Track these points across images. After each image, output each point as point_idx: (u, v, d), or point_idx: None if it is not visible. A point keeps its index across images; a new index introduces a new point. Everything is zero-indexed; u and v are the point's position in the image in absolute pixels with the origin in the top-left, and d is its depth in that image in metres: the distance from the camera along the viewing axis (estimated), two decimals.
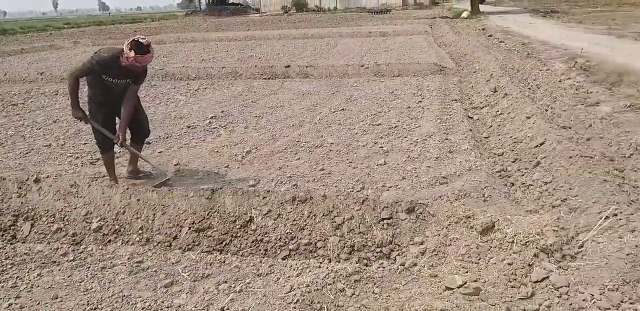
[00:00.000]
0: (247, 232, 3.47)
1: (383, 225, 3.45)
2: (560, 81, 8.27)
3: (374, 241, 3.36)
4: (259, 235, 3.43)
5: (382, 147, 5.42)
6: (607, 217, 3.05)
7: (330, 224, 3.47)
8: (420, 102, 7.55)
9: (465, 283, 2.68)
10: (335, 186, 4.39)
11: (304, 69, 10.94)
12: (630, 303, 2.35)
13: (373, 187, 4.34)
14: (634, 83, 7.31)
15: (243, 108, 7.72)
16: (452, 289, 2.67)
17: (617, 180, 3.83)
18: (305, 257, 3.31)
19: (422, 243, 3.24)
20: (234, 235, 3.46)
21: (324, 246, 3.35)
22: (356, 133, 6.05)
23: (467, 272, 2.85)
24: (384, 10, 39.57)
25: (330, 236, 3.39)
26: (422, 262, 3.05)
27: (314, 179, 4.58)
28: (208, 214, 3.59)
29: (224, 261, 3.21)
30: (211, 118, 7.03)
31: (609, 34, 15.54)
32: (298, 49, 15.53)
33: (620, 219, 2.98)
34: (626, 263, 2.53)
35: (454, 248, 3.09)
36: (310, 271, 3.00)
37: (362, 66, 10.87)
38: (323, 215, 3.54)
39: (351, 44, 16.40)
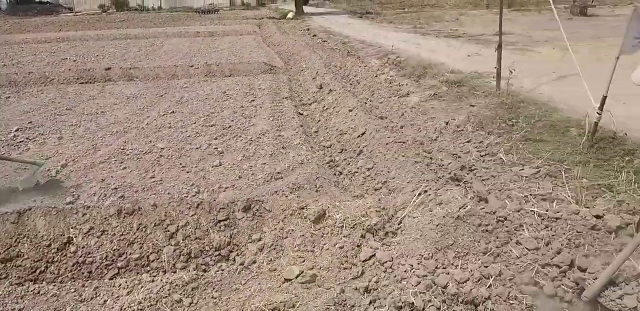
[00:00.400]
0: (65, 255, 3.10)
1: (220, 227, 3.38)
2: (376, 76, 9.05)
3: (212, 245, 3.27)
4: (81, 256, 3.09)
5: (216, 148, 5.32)
6: (419, 194, 3.40)
7: (163, 234, 3.28)
8: (253, 101, 7.60)
9: (302, 272, 2.75)
10: (168, 193, 4.17)
11: (128, 71, 10.22)
12: (443, 268, 2.65)
13: (209, 190, 4.23)
14: (435, 75, 8.33)
15: (56, 117, 6.90)
16: (291, 280, 2.73)
17: (426, 161, 4.32)
18: (137, 273, 3.08)
19: (260, 240, 3.25)
20: (50, 260, 3.07)
21: (158, 258, 3.16)
22: (189, 136, 5.84)
23: (303, 261, 2.94)
24: (212, 10, 38.95)
25: (164, 246, 3.21)
26: (261, 258, 3.07)
27: (144, 188, 4.29)
28: (15, 241, 3.12)
29: (39, 292, 2.82)
30: (16, 131, 6.14)
31: (415, 32, 17.49)
32: (120, 50, 14.45)
33: (430, 194, 3.35)
34: (437, 233, 2.85)
35: (291, 239, 3.16)
36: (142, 286, 2.80)
37: (192, 66, 10.56)
38: (155, 225, 3.34)
39: (179, 44, 15.81)
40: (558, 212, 2.98)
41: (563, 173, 3.79)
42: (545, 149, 4.44)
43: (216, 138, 5.68)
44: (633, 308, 2.25)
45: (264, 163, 4.74)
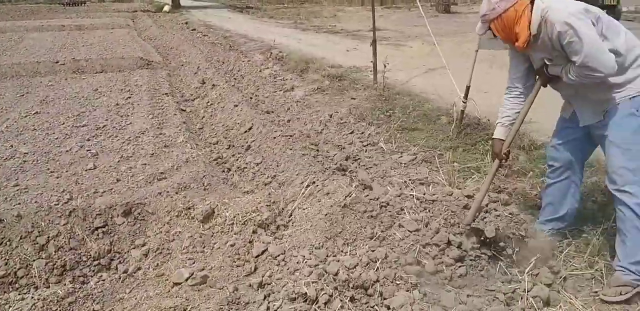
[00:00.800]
0: None
1: (98, 235, 3.14)
2: (260, 71, 9.01)
3: (90, 255, 3.02)
4: None
5: (90, 150, 4.90)
6: (307, 186, 3.44)
7: (31, 247, 2.96)
8: (129, 98, 7.13)
9: (193, 274, 2.65)
10: (36, 202, 3.74)
11: None
12: (334, 256, 2.71)
13: (83, 195, 3.87)
14: (317, 69, 8.51)
15: None
16: (180, 283, 2.61)
17: (313, 153, 4.39)
18: (4, 291, 2.74)
19: (144, 245, 3.07)
20: None
21: (28, 274, 2.83)
22: (57, 138, 5.31)
23: (193, 263, 2.83)
24: (78, 2, 35.80)
25: (34, 260, 2.89)
26: (146, 264, 2.89)
27: (6, 198, 3.81)
28: None
29: None
30: None
31: (295, 27, 17.71)
32: None
33: (317, 185, 3.41)
34: (326, 222, 2.91)
35: (178, 242, 3.02)
36: (10, 306, 2.49)
37: (57, 63, 9.61)
38: (21, 238, 3.00)
39: (41, 39, 14.30)
40: (434, 195, 3.20)
41: (437, 158, 4.09)
42: (420, 137, 4.76)
43: (89, 140, 5.24)
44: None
45: (145, 164, 4.47)
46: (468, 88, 4.69)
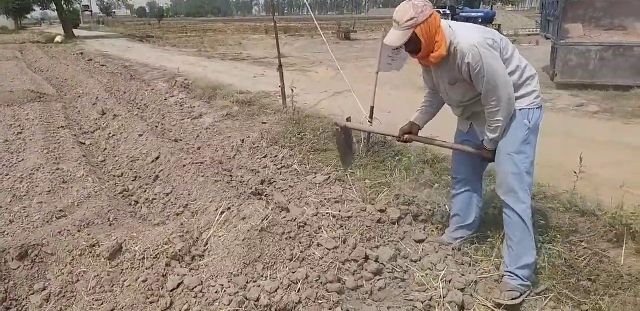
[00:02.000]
0: None
1: None
2: (165, 99, 8.76)
3: None
4: None
5: None
6: (222, 212, 3.35)
7: None
8: (20, 133, 6.57)
9: None
10: None
11: None
12: (254, 281, 2.64)
13: None
14: (225, 95, 8.45)
15: None
16: None
17: (226, 178, 4.31)
18: None
19: (44, 289, 2.79)
20: None
21: None
22: None
23: (102, 304, 2.61)
24: None
25: None
26: (48, 310, 2.62)
27: None
28: None
29: None
30: None
31: (200, 55, 17.56)
32: None
33: (233, 211, 3.33)
34: (243, 248, 2.83)
35: (83, 282, 2.78)
36: None
37: None
38: None
39: None
40: (349, 211, 3.26)
41: (349, 176, 4.19)
42: (331, 157, 4.86)
43: None
44: None
45: (41, 202, 4.11)
46: (372, 108, 4.90)
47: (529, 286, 2.60)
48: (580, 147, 3.73)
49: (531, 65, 2.61)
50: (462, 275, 2.73)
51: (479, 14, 19.49)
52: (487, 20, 19.14)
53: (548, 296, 2.58)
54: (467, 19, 19.40)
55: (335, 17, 77.64)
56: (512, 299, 2.50)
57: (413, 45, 2.39)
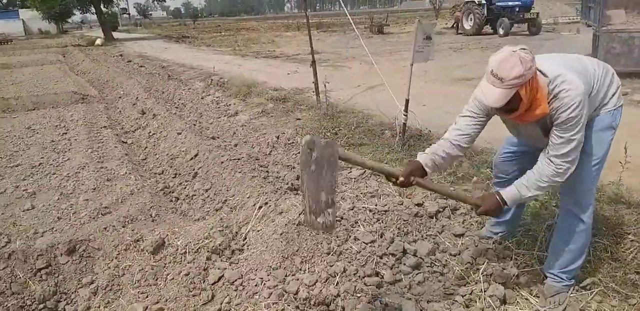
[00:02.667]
0: None
1: (42, 276, 2.95)
2: (202, 98, 8.94)
3: (34, 298, 2.82)
4: None
5: (26, 190, 4.65)
6: (260, 207, 3.40)
7: None
8: (66, 133, 6.85)
9: (147, 308, 2.53)
10: None
11: None
12: (292, 275, 2.67)
13: (22, 237, 3.65)
14: (260, 93, 8.54)
15: None
16: None
17: (263, 174, 4.36)
18: None
19: (92, 283, 2.90)
20: None
21: None
22: None
23: (147, 297, 2.70)
24: (3, 41, 34.43)
25: None
26: (96, 303, 2.73)
27: None
28: None
29: None
30: None
31: (234, 54, 17.79)
32: None
33: (270, 206, 3.38)
34: (282, 242, 2.87)
35: (129, 276, 2.88)
36: None
37: None
38: None
39: None
40: (385, 205, 3.24)
41: None
42: (366, 152, 4.84)
43: (24, 179, 4.97)
44: None
45: (87, 199, 4.28)
46: (407, 101, 4.85)
47: (573, 284, 2.52)
48: (625, 137, 3.57)
49: None
50: (504, 269, 2.68)
51: (516, 3, 18.84)
52: (525, 9, 18.50)
53: (594, 291, 2.49)
54: (504, 8, 18.83)
55: (368, 11, 77.09)
56: (560, 304, 2.42)
57: (510, 106, 2.01)
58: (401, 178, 2.27)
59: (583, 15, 11.28)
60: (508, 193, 2.27)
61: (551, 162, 2.16)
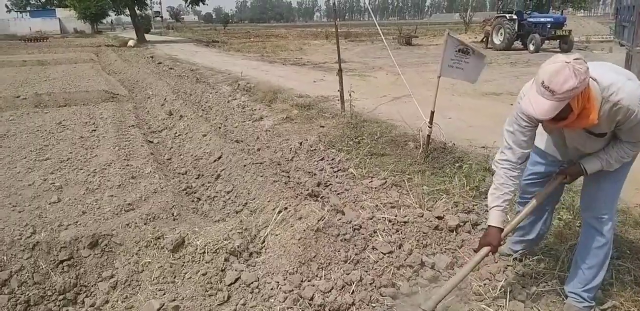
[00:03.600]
0: None
1: (63, 268, 3.02)
2: (228, 101, 9.05)
3: (55, 289, 2.89)
4: None
5: (53, 183, 4.76)
6: (279, 211, 3.43)
7: None
8: (95, 131, 7.01)
9: (163, 305, 2.56)
10: None
11: None
12: (308, 281, 2.69)
13: (47, 229, 3.73)
14: (285, 99, 8.62)
15: None
16: None
17: (284, 179, 4.39)
18: None
19: (112, 277, 2.96)
20: None
21: None
22: (18, 172, 5.14)
23: (164, 294, 2.74)
24: (40, 38, 35.51)
25: None
26: (114, 297, 2.78)
27: None
28: None
29: None
30: None
31: (262, 60, 17.99)
32: None
33: (290, 211, 3.40)
34: (299, 247, 2.89)
35: (148, 272, 2.93)
36: None
37: (18, 97, 9.41)
38: None
39: (1, 74, 14.03)
40: (405, 216, 3.24)
41: (406, 182, 4.16)
42: (389, 162, 4.83)
43: (52, 173, 5.10)
44: None
45: (112, 196, 4.36)
46: (432, 113, 4.84)
47: (594, 306, 2.47)
48: None
49: None
50: (523, 287, 2.64)
51: (549, 19, 18.63)
52: (556, 26, 18.28)
53: None
54: (535, 24, 18.64)
55: (397, 22, 77.22)
56: None
57: (559, 115, 1.96)
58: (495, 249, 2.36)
59: (616, 34, 11.10)
60: (590, 168, 2.31)
61: (626, 150, 2.22)
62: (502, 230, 2.34)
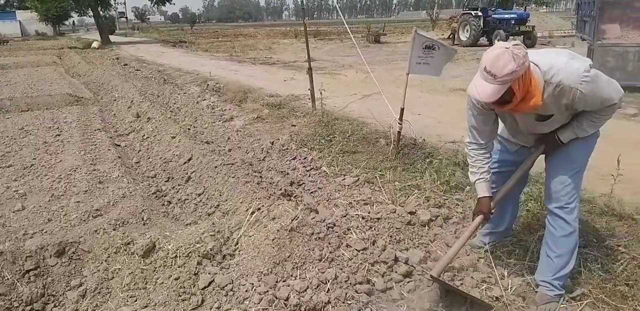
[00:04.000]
0: None
1: (30, 278, 2.92)
2: (198, 102, 8.93)
3: (22, 300, 2.79)
4: None
5: (17, 191, 4.60)
6: (253, 212, 3.39)
7: None
8: (59, 135, 6.81)
9: None
10: None
11: None
12: (283, 281, 2.66)
13: (11, 238, 3.60)
14: (256, 99, 8.55)
15: None
16: None
17: (257, 180, 4.35)
18: None
19: (81, 285, 2.87)
20: None
21: None
22: None
23: (136, 300, 2.68)
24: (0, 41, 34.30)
25: None
26: (84, 306, 2.70)
27: None
28: None
29: None
30: None
31: (231, 60, 17.82)
32: None
33: (263, 211, 3.37)
34: (273, 247, 2.86)
35: (118, 279, 2.86)
36: None
37: None
38: None
39: None
40: (378, 213, 3.25)
41: (378, 178, 4.17)
42: (361, 159, 4.85)
43: (16, 180, 4.93)
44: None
45: (78, 202, 4.24)
46: (402, 110, 4.87)
47: (563, 294, 2.53)
48: (618, 150, 3.61)
49: None
50: (494, 277, 2.68)
51: (513, 15, 19.07)
52: (520, 22, 18.70)
53: (584, 302, 2.50)
54: (500, 21, 19.04)
55: (365, 20, 77.59)
56: None
57: (503, 99, 2.06)
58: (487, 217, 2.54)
59: (578, 29, 11.43)
60: (565, 137, 2.40)
61: (595, 118, 2.30)
62: (491, 198, 2.53)
